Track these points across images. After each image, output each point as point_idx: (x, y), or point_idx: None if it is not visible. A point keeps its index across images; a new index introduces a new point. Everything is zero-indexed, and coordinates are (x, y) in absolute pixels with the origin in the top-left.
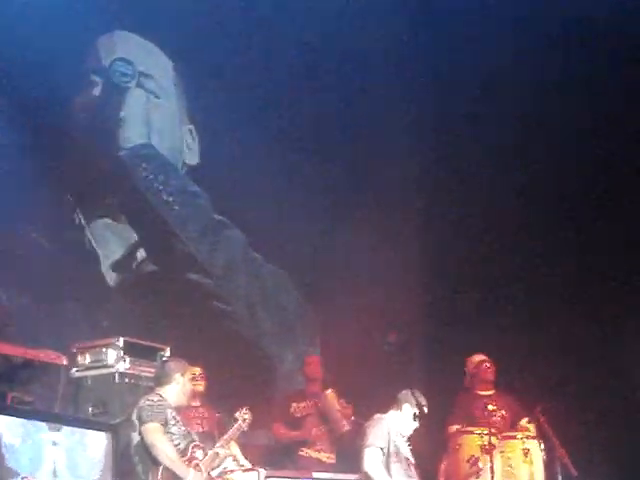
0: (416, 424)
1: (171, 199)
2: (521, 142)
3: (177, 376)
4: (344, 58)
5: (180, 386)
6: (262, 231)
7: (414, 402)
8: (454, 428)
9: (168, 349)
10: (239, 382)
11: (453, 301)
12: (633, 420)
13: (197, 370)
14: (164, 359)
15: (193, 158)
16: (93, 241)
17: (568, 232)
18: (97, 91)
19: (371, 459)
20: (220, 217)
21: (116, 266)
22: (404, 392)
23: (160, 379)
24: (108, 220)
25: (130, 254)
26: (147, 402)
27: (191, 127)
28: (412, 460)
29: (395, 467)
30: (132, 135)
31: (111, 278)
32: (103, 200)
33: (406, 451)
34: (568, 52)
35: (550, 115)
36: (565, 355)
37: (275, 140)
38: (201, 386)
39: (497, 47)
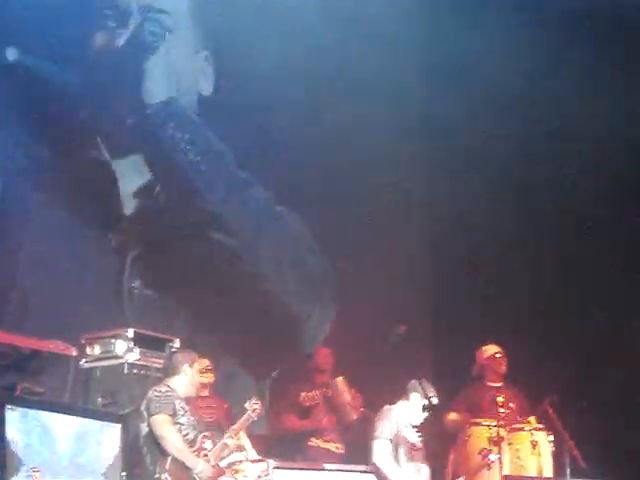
0: (425, 414)
1: (198, 159)
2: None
3: (185, 367)
4: None
5: (188, 377)
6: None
7: (422, 392)
8: (453, 415)
9: (177, 340)
10: (263, 345)
11: (462, 292)
12: None
13: (205, 362)
14: (173, 350)
15: (207, 88)
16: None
17: (581, 224)
18: (122, 40)
19: (380, 451)
20: (244, 174)
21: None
22: (412, 382)
23: (168, 370)
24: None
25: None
26: (155, 393)
27: (207, 53)
28: (419, 444)
29: (403, 457)
30: (156, 89)
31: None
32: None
33: (414, 439)
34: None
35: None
36: (577, 349)
37: (298, 69)
38: (209, 378)
39: None
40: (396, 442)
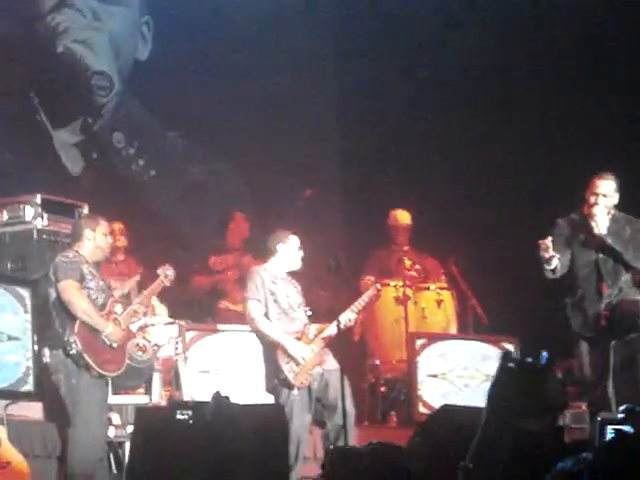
0: (300, 253)
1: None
2: None
3: (87, 232)
4: None
5: (92, 242)
6: None
7: (283, 238)
8: (367, 278)
9: (86, 206)
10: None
11: (373, 155)
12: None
13: (116, 225)
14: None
15: (144, 53)
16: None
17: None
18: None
19: (252, 311)
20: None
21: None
22: (274, 234)
23: (74, 236)
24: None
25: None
26: (62, 259)
27: (148, 18)
28: (298, 301)
29: (274, 314)
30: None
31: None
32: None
33: (289, 292)
34: None
35: None
36: (485, 209)
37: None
38: (120, 242)
39: None
40: (265, 302)
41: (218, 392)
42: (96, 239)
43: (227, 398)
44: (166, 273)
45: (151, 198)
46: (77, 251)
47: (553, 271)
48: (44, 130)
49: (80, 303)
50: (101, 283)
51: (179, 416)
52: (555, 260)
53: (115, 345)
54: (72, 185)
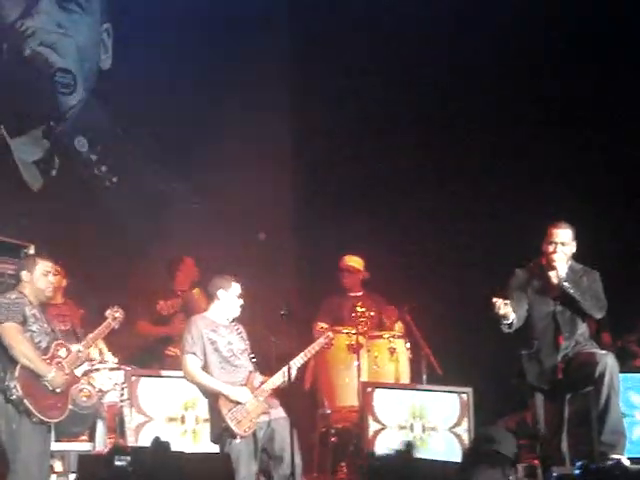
0: (240, 301)
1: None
2: None
3: (24, 274)
4: None
5: (30, 283)
6: None
7: (225, 284)
8: (320, 325)
9: (32, 246)
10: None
11: (325, 199)
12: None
13: (49, 265)
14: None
15: (106, 61)
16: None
17: None
18: None
19: (188, 365)
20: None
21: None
22: (212, 282)
23: (17, 277)
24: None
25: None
26: (4, 301)
27: (108, 26)
28: (242, 348)
29: (216, 364)
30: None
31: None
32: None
33: (231, 339)
34: None
35: None
36: (440, 257)
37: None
38: (59, 282)
39: None
40: (204, 353)
41: (157, 437)
42: (34, 280)
43: (167, 444)
44: (114, 315)
45: (113, 207)
46: (21, 292)
47: (510, 325)
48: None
49: (21, 347)
50: (45, 326)
51: (117, 462)
52: (511, 315)
53: (58, 390)
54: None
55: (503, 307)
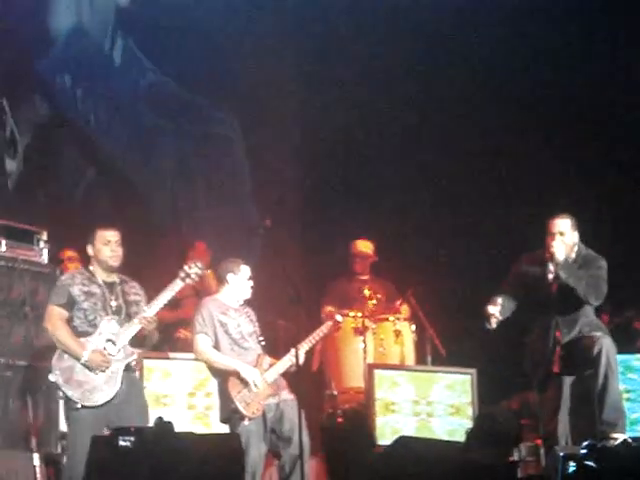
0: (251, 283)
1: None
2: None
3: (89, 248)
4: None
5: (94, 256)
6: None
7: (234, 268)
8: (328, 309)
9: (45, 233)
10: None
11: (333, 185)
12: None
13: (109, 234)
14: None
15: None
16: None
17: None
18: None
19: (199, 345)
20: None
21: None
22: (221, 265)
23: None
24: None
25: None
26: (56, 283)
27: None
28: (250, 330)
29: (226, 345)
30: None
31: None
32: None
33: (240, 322)
34: None
35: None
36: (446, 241)
37: None
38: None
39: None
40: (215, 334)
41: (160, 417)
42: (96, 252)
43: (170, 424)
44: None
45: (101, 143)
46: (87, 268)
47: (488, 330)
48: None
49: (56, 332)
50: (99, 303)
51: (121, 442)
52: (494, 322)
53: (100, 371)
54: None
55: (495, 304)
